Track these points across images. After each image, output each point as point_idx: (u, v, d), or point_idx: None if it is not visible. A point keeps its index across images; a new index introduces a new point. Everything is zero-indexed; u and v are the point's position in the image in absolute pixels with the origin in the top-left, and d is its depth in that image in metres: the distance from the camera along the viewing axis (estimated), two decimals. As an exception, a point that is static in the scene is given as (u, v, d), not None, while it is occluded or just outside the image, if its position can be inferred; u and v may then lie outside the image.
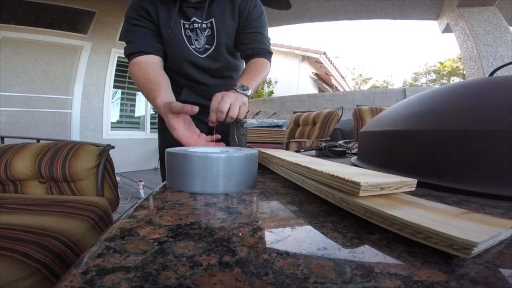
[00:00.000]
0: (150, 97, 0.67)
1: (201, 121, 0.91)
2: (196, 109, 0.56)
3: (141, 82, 0.69)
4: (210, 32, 0.77)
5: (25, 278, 0.52)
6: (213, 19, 0.76)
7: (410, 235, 0.18)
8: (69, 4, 3.29)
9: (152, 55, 0.74)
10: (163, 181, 0.55)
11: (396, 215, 0.19)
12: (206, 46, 0.79)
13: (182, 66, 0.80)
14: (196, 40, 0.78)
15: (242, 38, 0.80)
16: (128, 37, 0.74)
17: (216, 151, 0.37)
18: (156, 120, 4.31)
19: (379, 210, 0.21)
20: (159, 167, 4.14)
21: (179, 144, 0.70)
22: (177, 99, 0.85)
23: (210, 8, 0.75)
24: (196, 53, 0.79)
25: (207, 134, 0.93)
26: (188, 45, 0.78)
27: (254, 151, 0.38)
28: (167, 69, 0.81)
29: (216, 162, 0.33)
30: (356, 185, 0.22)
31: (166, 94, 0.66)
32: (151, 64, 0.72)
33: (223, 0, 0.76)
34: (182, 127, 0.61)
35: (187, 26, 0.76)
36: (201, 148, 0.44)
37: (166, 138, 0.88)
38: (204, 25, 0.76)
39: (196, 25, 0.76)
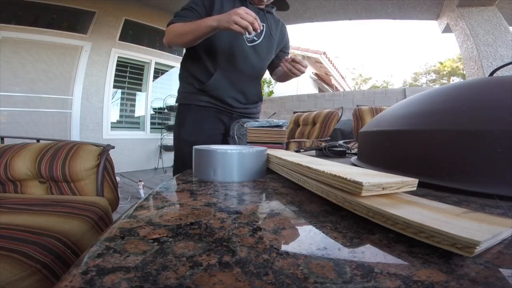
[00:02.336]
0: (201, 25, 0.81)
1: (221, 120, 0.95)
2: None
3: (186, 26, 0.84)
4: (262, 29, 0.94)
5: (25, 278, 0.52)
6: (265, 24, 0.96)
7: (413, 234, 0.18)
8: (69, 4, 3.29)
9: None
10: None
11: (399, 214, 0.19)
12: (255, 38, 0.95)
13: (229, 45, 0.92)
14: None
15: (279, 56, 1.07)
16: (182, 12, 0.90)
17: (232, 148, 0.44)
18: (156, 121, 4.33)
19: (381, 209, 0.21)
20: (158, 166, 4.15)
21: (195, 139, 0.94)
22: (208, 78, 0.95)
23: (265, 17, 0.96)
24: (245, 40, 0.94)
25: (223, 134, 0.99)
26: None
27: (263, 148, 0.45)
28: (212, 47, 0.93)
29: (231, 157, 0.40)
30: (358, 185, 0.22)
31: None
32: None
33: (272, 17, 1.00)
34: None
35: None
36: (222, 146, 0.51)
37: (184, 134, 0.98)
38: (261, 21, 0.92)
39: None
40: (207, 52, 0.93)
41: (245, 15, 0.72)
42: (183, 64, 1.02)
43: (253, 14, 0.73)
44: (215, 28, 0.78)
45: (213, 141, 0.95)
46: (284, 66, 0.91)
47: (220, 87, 0.94)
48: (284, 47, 1.09)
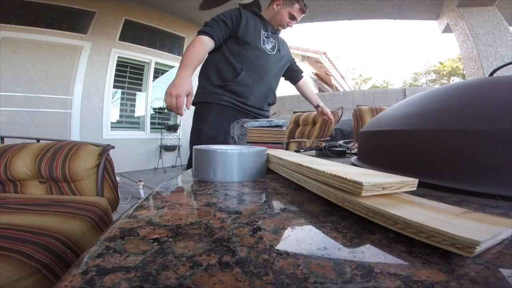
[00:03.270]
0: (188, 61, 0.96)
1: (237, 119, 0.99)
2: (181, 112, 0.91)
3: (194, 50, 0.99)
4: (274, 45, 1.18)
5: (25, 278, 0.52)
6: (276, 41, 1.19)
7: (413, 234, 0.18)
8: (69, 4, 3.29)
9: (211, 39, 1.03)
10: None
11: (398, 214, 0.19)
12: (270, 50, 1.16)
13: (254, 49, 1.09)
14: (267, 43, 1.15)
15: (292, 67, 1.39)
16: (210, 22, 1.05)
17: (233, 148, 0.44)
18: (156, 121, 4.32)
19: (381, 209, 0.21)
20: (158, 166, 4.15)
21: (215, 134, 1.04)
22: (235, 77, 1.10)
23: (275, 35, 1.20)
24: (265, 49, 1.14)
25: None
26: (261, 42, 1.13)
27: (263, 148, 0.45)
28: (239, 50, 1.09)
29: (231, 157, 0.40)
30: (358, 185, 0.22)
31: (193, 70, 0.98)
32: (205, 45, 1.02)
33: (280, 38, 1.24)
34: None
35: (265, 34, 1.15)
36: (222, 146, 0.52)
37: (205, 128, 1.04)
38: (272, 38, 1.17)
39: (270, 35, 1.17)
40: (234, 54, 1.08)
41: (174, 100, 0.87)
42: (207, 65, 1.12)
43: (180, 103, 0.88)
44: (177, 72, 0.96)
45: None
46: (320, 114, 1.52)
47: (247, 84, 1.09)
48: (292, 60, 1.39)
